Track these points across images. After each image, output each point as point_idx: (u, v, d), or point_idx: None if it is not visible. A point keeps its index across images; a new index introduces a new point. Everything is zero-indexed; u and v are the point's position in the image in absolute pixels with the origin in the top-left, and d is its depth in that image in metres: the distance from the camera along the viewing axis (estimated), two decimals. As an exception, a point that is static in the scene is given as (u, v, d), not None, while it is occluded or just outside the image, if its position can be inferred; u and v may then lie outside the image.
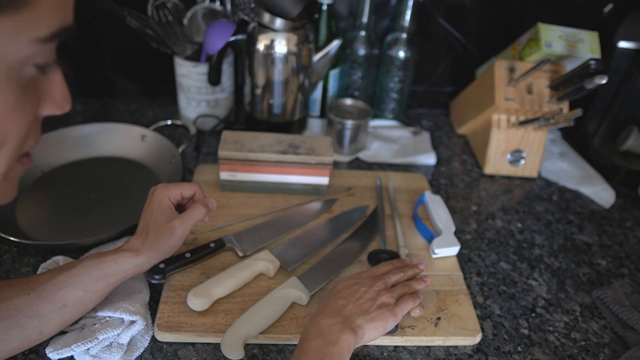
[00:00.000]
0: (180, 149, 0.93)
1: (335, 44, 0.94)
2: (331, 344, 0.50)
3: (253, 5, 0.89)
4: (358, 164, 0.99)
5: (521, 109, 0.92)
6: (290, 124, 0.98)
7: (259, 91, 0.94)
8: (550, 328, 0.68)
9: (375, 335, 0.55)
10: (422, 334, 0.63)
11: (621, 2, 1.01)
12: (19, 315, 0.51)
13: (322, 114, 1.10)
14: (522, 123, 0.94)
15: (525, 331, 0.67)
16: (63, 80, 0.33)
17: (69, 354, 0.56)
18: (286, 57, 0.89)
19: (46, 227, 0.76)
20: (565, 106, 0.92)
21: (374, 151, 1.02)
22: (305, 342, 0.51)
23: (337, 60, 1.04)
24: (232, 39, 0.90)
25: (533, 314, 0.70)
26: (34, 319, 0.52)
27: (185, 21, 0.95)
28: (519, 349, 0.65)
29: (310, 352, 0.49)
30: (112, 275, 0.56)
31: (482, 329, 0.67)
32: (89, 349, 0.56)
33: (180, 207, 0.66)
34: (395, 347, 0.63)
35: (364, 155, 1.00)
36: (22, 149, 0.33)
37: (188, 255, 0.68)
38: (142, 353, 0.59)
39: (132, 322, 0.59)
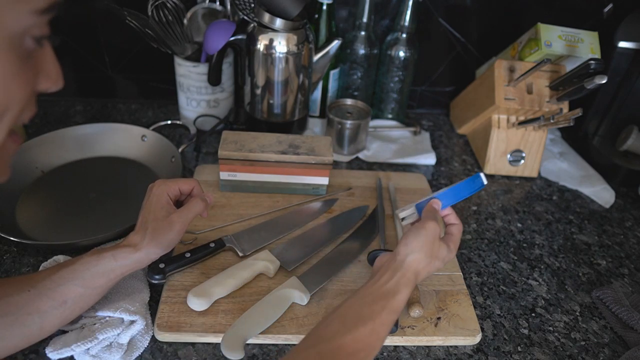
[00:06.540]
0: (180, 149, 0.93)
1: (335, 43, 0.94)
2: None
3: (253, 5, 0.89)
4: (358, 164, 0.99)
5: (521, 109, 0.92)
6: (290, 124, 0.98)
7: (259, 91, 0.94)
8: (550, 328, 0.68)
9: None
10: (422, 334, 0.63)
11: (621, 2, 1.00)
12: (19, 312, 0.51)
13: (322, 114, 1.10)
14: (522, 123, 0.94)
15: (525, 331, 0.67)
16: (55, 57, 0.35)
17: (69, 354, 0.56)
18: (286, 57, 0.89)
19: (46, 227, 0.76)
20: (565, 106, 0.92)
21: (374, 151, 1.02)
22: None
23: (337, 60, 1.04)
24: (232, 39, 0.90)
25: (533, 314, 0.70)
26: (34, 315, 0.52)
27: (185, 21, 0.95)
28: (519, 349, 0.65)
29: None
30: (111, 271, 0.56)
31: (482, 329, 0.67)
32: (89, 348, 0.56)
33: (179, 203, 0.66)
34: (395, 347, 0.63)
35: (363, 155, 1.00)
36: (20, 120, 0.35)
37: (188, 255, 0.68)
38: (142, 353, 0.59)
39: (132, 322, 0.59)
